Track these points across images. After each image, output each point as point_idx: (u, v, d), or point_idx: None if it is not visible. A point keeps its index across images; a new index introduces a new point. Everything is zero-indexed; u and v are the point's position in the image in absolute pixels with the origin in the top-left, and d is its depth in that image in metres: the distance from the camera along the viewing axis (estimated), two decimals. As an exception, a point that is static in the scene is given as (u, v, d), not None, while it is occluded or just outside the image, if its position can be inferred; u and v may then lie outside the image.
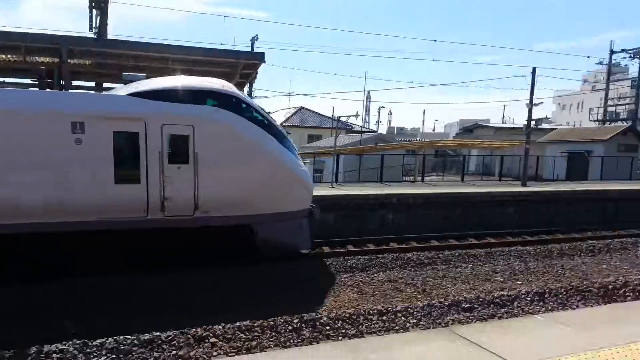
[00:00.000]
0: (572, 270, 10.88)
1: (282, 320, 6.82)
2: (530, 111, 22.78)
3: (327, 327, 6.76)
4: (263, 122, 10.57)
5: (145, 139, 9.48)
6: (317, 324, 6.83)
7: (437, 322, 7.28)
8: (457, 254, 12.13)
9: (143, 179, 9.52)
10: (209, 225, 9.97)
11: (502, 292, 8.45)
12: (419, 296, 8.90)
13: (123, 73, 11.46)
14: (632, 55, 39.20)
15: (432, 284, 9.72)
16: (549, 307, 7.88)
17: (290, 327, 6.70)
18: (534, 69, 22.78)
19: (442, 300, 8.09)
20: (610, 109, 43.06)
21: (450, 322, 7.25)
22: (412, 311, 7.55)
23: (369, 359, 4.40)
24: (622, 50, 39.97)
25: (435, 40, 45.99)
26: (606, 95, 41.10)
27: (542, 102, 27.65)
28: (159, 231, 9.72)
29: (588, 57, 75.10)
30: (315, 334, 6.56)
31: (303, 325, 6.78)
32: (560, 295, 8.44)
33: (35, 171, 8.88)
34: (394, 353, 4.56)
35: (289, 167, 10.72)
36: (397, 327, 7.02)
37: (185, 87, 10.09)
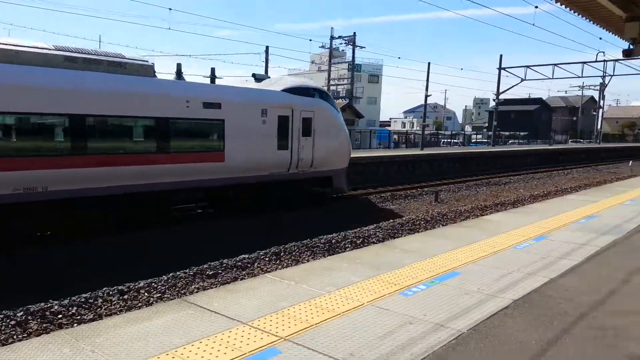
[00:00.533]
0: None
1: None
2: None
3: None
4: (336, 108, 16.53)
5: (291, 121, 14.53)
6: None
7: (182, 292, 7.28)
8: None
9: (289, 146, 14.57)
10: (315, 176, 15.62)
11: (244, 256, 8.90)
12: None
13: (254, 73, 15.85)
14: (347, 42, 45.01)
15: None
16: (284, 264, 8.65)
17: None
18: (267, 47, 24.37)
19: (187, 270, 8.10)
20: (332, 87, 48.78)
21: (195, 290, 7.33)
22: (156, 285, 7.38)
23: (95, 343, 4.13)
24: (340, 37, 45.57)
25: (170, 9, 44.77)
26: (329, 75, 46.32)
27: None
28: (293, 180, 15.00)
29: (310, 40, 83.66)
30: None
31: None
32: (293, 253, 9.33)
33: (249, 142, 13.43)
34: (119, 331, 4.36)
35: (346, 138, 16.97)
36: (140, 304, 6.79)
37: (308, 85, 15.77)
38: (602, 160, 45.17)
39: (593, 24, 12.63)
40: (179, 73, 13.40)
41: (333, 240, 10.18)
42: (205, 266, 8.26)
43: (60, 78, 10.19)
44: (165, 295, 7.10)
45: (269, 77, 16.28)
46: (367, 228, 11.47)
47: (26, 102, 9.69)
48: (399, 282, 5.91)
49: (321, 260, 7.10)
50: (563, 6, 10.77)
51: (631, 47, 12.27)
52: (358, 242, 10.23)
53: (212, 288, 7.14)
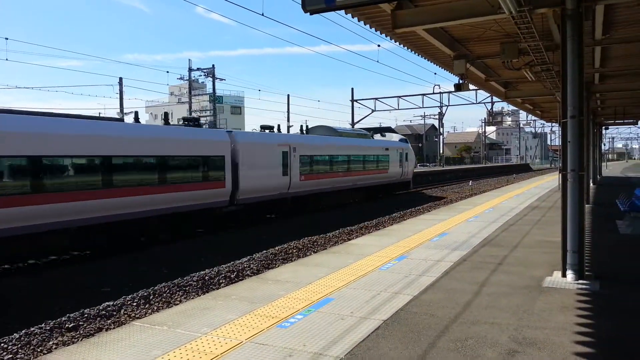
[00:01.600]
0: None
1: None
2: (122, 119, 23.03)
3: None
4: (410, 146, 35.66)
5: (403, 154, 32.84)
6: None
7: (38, 351, 6.54)
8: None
9: (402, 166, 33.20)
10: (405, 180, 33.91)
11: (108, 303, 8.27)
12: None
13: (380, 131, 36.12)
14: (206, 74, 44.79)
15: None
16: (155, 308, 8.20)
17: None
18: (121, 79, 23.41)
19: (43, 325, 7.30)
20: (194, 119, 47.87)
21: (54, 347, 6.64)
22: (5, 345, 6.54)
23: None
24: (198, 69, 45.20)
25: (7, 39, 41.34)
26: (190, 107, 45.51)
27: (132, 112, 28.61)
28: (400, 182, 33.52)
29: (167, 72, 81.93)
30: None
31: None
32: (164, 295, 8.90)
33: (396, 164, 32.72)
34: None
35: (414, 162, 36.31)
36: (-14, 370, 5.96)
37: (403, 137, 36.42)
38: (447, 180, 49.84)
39: (428, 60, 14.14)
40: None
41: (206, 277, 9.91)
42: (64, 318, 7.52)
43: None
44: (18, 356, 6.31)
45: (393, 133, 36.90)
46: (240, 261, 11.36)
47: None
48: (276, 315, 5.94)
49: (195, 300, 6.87)
50: (401, 45, 11.92)
51: (460, 81, 13.91)
52: (232, 276, 10.08)
53: (73, 343, 6.53)
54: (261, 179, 19.35)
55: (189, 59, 79.41)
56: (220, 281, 9.75)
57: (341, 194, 26.33)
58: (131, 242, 14.55)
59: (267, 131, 22.32)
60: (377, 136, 34.05)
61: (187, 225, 16.48)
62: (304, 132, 26.63)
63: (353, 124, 51.62)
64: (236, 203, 18.17)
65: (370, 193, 29.84)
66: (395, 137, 35.25)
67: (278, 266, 10.65)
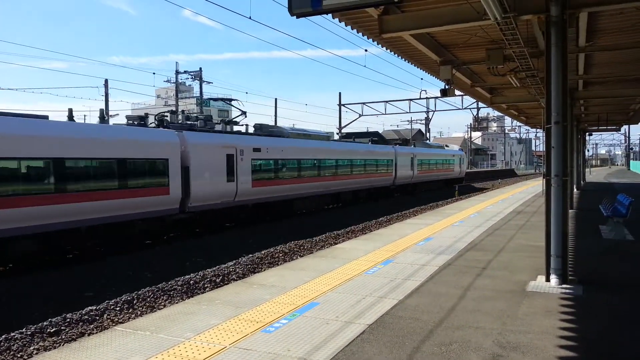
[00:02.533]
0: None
1: None
2: (107, 122, 22.84)
3: None
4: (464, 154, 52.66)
5: (461, 159, 49.87)
6: None
7: (18, 356, 6.42)
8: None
9: (460, 168, 49.43)
10: (460, 177, 49.51)
11: (91, 308, 8.16)
12: None
13: (446, 145, 53.43)
14: (193, 77, 44.60)
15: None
16: (139, 313, 8.11)
17: None
18: (106, 80, 23.13)
19: (23, 330, 7.17)
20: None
21: (35, 352, 6.52)
22: (-16, 352, 6.42)
23: None
24: (185, 72, 45.01)
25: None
26: (176, 109, 45.24)
27: (117, 114, 28.50)
28: (456, 178, 48.55)
29: (154, 73, 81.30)
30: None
31: None
32: (148, 299, 8.80)
33: (459, 167, 50.39)
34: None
35: (466, 164, 55.33)
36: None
37: (457, 147, 57.57)
38: (433, 185, 49.98)
39: (415, 66, 14.23)
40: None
41: (191, 282, 9.82)
42: (45, 323, 7.39)
43: None
44: (-3, 363, 6.20)
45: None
46: (225, 265, 11.28)
47: None
48: (261, 319, 5.91)
49: (179, 304, 6.80)
50: (388, 50, 11.99)
51: (446, 87, 14.00)
52: (217, 280, 10.00)
53: (54, 348, 6.42)
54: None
55: (176, 62, 79.09)
56: (205, 285, 9.67)
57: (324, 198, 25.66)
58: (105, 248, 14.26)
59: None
60: (451, 146, 52.43)
61: (129, 235, 14.87)
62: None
63: (340, 128, 51.73)
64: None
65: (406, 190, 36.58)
66: (455, 147, 53.49)
67: (264, 270, 10.59)
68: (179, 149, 15.82)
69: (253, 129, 22.60)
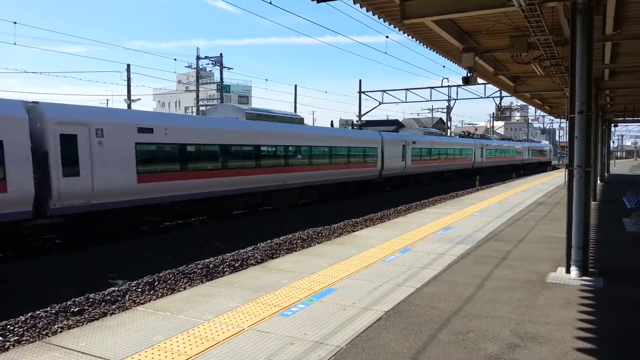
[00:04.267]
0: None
1: None
2: (129, 107, 23.15)
3: None
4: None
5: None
6: None
7: (44, 333, 6.62)
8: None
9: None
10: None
11: (113, 288, 8.35)
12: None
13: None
14: (214, 63, 44.71)
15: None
16: (160, 294, 8.26)
17: None
18: (129, 65, 23.34)
19: (48, 309, 7.38)
20: (202, 108, 47.96)
21: (59, 330, 6.71)
22: (12, 327, 6.63)
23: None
24: (206, 57, 45.11)
25: (15, 23, 41.11)
26: (197, 95, 45.51)
27: (139, 99, 28.86)
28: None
29: (175, 59, 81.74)
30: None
31: None
32: (169, 281, 8.96)
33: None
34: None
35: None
36: (-8, 351, 6.04)
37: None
38: (453, 174, 49.57)
39: (436, 53, 14.03)
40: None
41: (211, 265, 9.97)
42: (69, 302, 7.60)
43: None
44: (24, 338, 6.39)
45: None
46: (244, 250, 11.40)
47: None
48: (279, 303, 5.98)
49: (199, 287, 6.92)
50: (410, 37, 11.85)
51: (469, 74, 13.79)
52: (236, 265, 10.13)
53: (77, 326, 6.60)
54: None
55: (197, 47, 79.32)
56: (225, 269, 9.80)
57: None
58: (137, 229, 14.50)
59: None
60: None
61: None
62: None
63: (360, 116, 51.48)
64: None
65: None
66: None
67: (282, 256, 10.69)
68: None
69: None
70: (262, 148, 18.87)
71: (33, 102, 12.04)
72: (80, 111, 12.86)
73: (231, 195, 17.43)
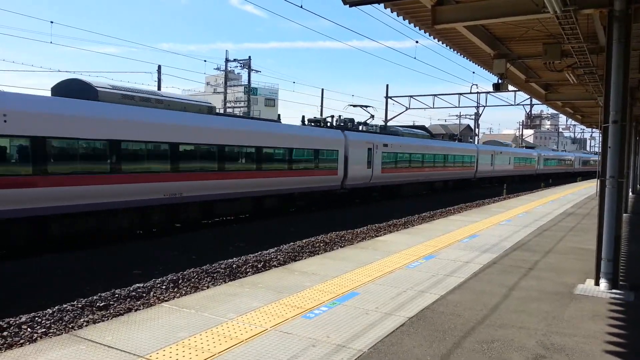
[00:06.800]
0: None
1: None
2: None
3: None
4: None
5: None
6: None
7: (70, 327, 6.76)
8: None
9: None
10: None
11: (139, 285, 8.47)
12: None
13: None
14: (242, 65, 45.17)
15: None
16: (183, 292, 8.36)
17: None
18: (159, 66, 23.72)
19: (75, 303, 7.54)
20: (229, 109, 48.49)
21: (85, 324, 6.84)
22: (40, 319, 6.78)
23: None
24: (235, 60, 45.60)
25: (52, 22, 41.91)
26: (225, 97, 46.01)
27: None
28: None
29: (205, 61, 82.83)
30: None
31: None
32: (192, 280, 9.06)
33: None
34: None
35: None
36: (22, 341, 6.19)
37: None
38: (480, 182, 49.02)
39: (466, 59, 13.89)
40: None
41: (234, 265, 10.04)
42: (95, 297, 7.74)
43: None
44: (51, 331, 6.54)
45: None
46: (267, 252, 11.46)
47: None
48: (302, 305, 5.98)
49: (222, 286, 6.97)
50: (440, 42, 11.76)
51: (499, 81, 13.61)
52: (259, 266, 10.18)
53: (103, 321, 6.71)
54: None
55: (226, 50, 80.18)
56: (248, 270, 9.86)
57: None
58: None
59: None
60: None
61: None
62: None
63: (386, 121, 51.30)
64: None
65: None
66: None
67: (305, 258, 10.70)
68: None
69: None
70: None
71: (339, 127, 25.52)
72: (367, 137, 25.44)
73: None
